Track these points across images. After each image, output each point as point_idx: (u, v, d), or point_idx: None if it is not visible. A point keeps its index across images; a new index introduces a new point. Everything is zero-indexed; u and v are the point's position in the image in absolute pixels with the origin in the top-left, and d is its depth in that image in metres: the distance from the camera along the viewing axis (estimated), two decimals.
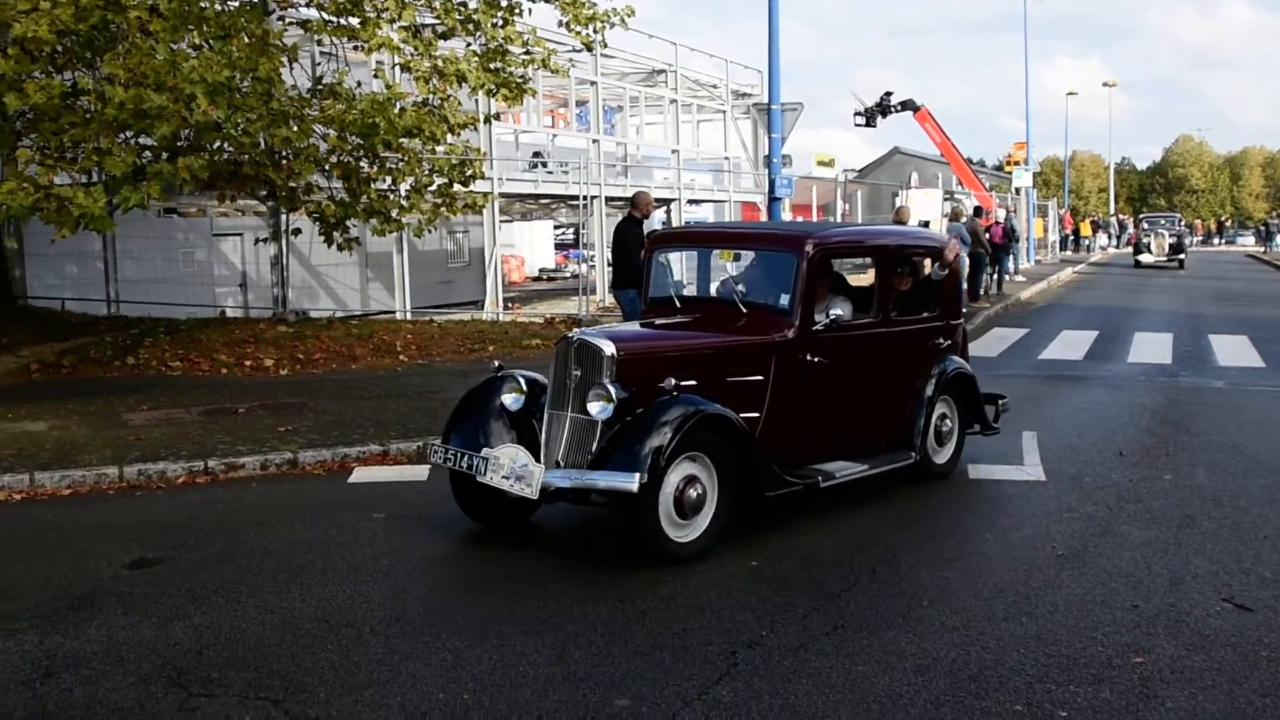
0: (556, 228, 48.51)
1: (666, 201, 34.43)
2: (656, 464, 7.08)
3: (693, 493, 7.38)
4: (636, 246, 13.15)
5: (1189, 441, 11.41)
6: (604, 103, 33.40)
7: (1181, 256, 45.06)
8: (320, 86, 16.73)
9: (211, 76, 12.50)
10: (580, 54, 22.71)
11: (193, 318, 18.77)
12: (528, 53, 17.24)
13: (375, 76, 17.20)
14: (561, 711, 5.21)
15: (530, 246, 44.55)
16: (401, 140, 16.04)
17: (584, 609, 6.53)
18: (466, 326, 20.24)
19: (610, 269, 18.55)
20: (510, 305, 27.47)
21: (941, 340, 9.87)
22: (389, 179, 16.94)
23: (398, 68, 17.29)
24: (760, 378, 8.22)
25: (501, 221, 30.81)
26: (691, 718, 5.13)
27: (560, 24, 17.39)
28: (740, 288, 9.09)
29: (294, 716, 5.16)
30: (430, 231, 19.20)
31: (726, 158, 37.56)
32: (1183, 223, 49.39)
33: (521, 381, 8.14)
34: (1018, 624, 6.30)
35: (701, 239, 10.51)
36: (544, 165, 31.00)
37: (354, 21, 16.12)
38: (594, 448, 7.43)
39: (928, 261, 10.03)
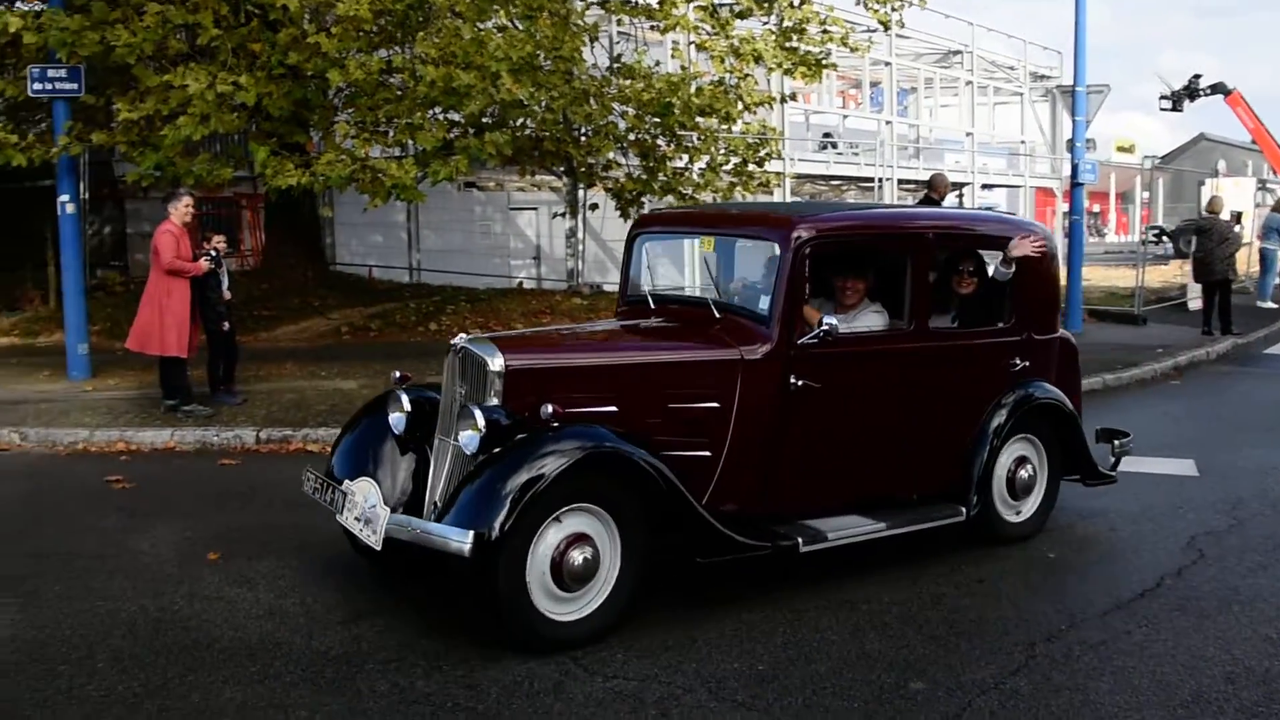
0: None
1: (960, 185, 33.74)
2: (518, 517, 5.39)
3: (578, 556, 5.61)
4: None
5: None
6: (897, 84, 32.93)
7: None
8: (618, 65, 17.06)
9: (515, 55, 12.91)
10: (875, 33, 22.41)
11: (491, 288, 19.49)
12: (825, 31, 17.16)
13: (672, 56, 17.45)
14: (856, 688, 5.24)
15: None
16: (697, 119, 16.22)
17: (878, 593, 6.55)
18: None
19: None
20: None
21: (1018, 361, 7.54)
22: (685, 157, 17.16)
23: (693, 47, 17.47)
24: (717, 405, 6.33)
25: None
26: (987, 705, 5.08)
27: (857, 2, 17.25)
28: (734, 285, 7.36)
29: (591, 673, 5.36)
30: None
31: (1023, 141, 36.50)
32: None
33: (404, 400, 6.46)
34: None
35: (687, 220, 8.57)
36: (834, 146, 30.79)
37: (652, 1, 16.37)
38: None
39: (987, 256, 7.74)
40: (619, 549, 5.78)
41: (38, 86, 12.81)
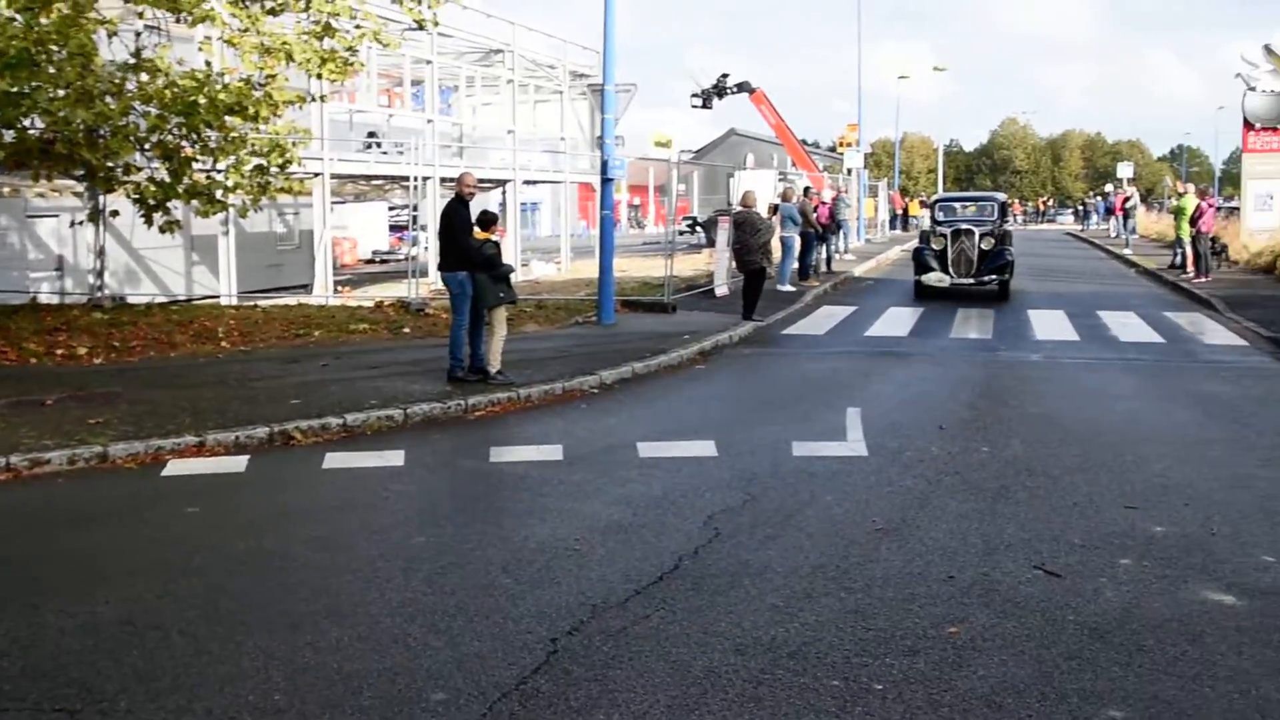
0: (392, 209, 47.83)
1: (503, 182, 34.15)
2: None
3: None
4: (463, 228, 12.97)
5: (1006, 414, 11.71)
6: (440, 82, 32.95)
7: (1003, 278, 24.00)
8: (141, 61, 16.11)
9: (4, 46, 11.91)
10: (415, 32, 22.26)
11: (1, 304, 17.97)
12: (356, 26, 16.87)
13: (200, 50, 16.67)
14: (376, 708, 5.09)
15: (363, 228, 43.84)
16: (225, 119, 15.58)
17: (396, 597, 6.41)
18: (292, 311, 19.79)
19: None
20: (340, 289, 26.94)
21: None
22: (211, 159, 16.44)
23: (223, 42, 16.74)
24: None
25: (334, 203, 30.23)
26: (507, 709, 5.05)
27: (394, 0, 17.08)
28: None
29: None
30: (256, 213, 18.72)
31: (563, 138, 37.37)
32: (1003, 211, 25.75)
33: None
34: (837, 599, 6.37)
35: None
36: (379, 145, 30.44)
37: None
38: None
39: None
40: None
41: None
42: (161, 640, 5.84)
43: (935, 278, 23.49)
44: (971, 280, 23.40)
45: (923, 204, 67.65)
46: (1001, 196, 27.16)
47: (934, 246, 23.91)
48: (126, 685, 5.31)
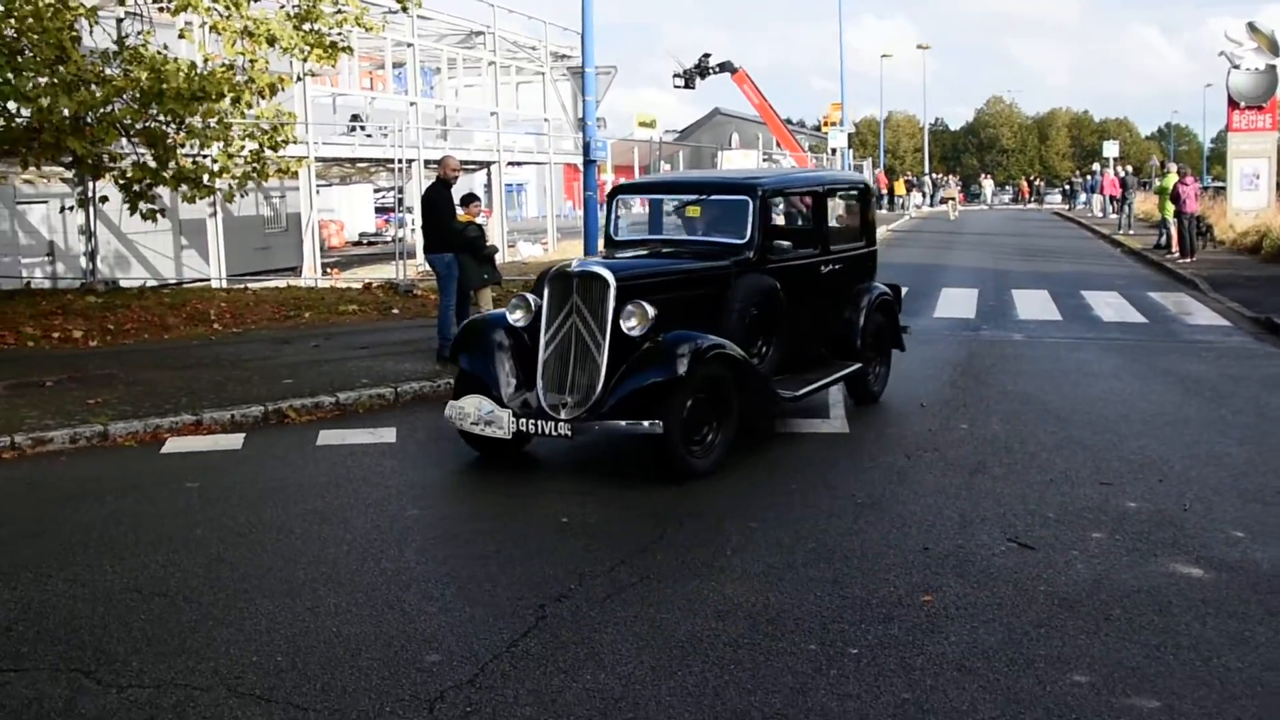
0: (377, 191, 47.94)
1: (487, 164, 34.30)
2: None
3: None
4: (447, 211, 13.19)
5: (986, 392, 11.96)
6: (422, 65, 33.08)
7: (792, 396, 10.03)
8: (125, 49, 16.27)
9: None
10: (396, 14, 22.41)
11: None
12: (339, 11, 17.03)
13: (180, 37, 16.83)
14: (373, 668, 5.32)
15: (350, 211, 43.98)
16: (202, 105, 15.73)
17: (391, 566, 6.66)
18: (282, 293, 20.01)
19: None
20: (328, 271, 27.14)
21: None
22: (196, 144, 16.60)
23: (206, 28, 16.90)
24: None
25: (320, 186, 30.37)
26: (499, 669, 5.29)
27: None
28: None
29: (105, 685, 5.17)
30: (243, 197, 18.90)
31: (546, 119, 37.53)
32: (861, 209, 11.56)
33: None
34: (816, 569, 6.61)
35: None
36: (362, 128, 30.59)
37: None
38: None
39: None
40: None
41: None
42: (168, 606, 6.08)
43: (475, 407, 8.57)
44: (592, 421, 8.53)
45: (908, 184, 68.04)
46: (838, 178, 13.55)
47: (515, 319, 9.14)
48: (137, 647, 5.56)
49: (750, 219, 9.74)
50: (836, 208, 11.91)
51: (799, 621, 5.84)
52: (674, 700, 4.98)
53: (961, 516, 7.64)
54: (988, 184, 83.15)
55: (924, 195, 69.85)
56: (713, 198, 10.57)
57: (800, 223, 12.08)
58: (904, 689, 5.07)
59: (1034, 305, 19.53)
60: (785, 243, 10.49)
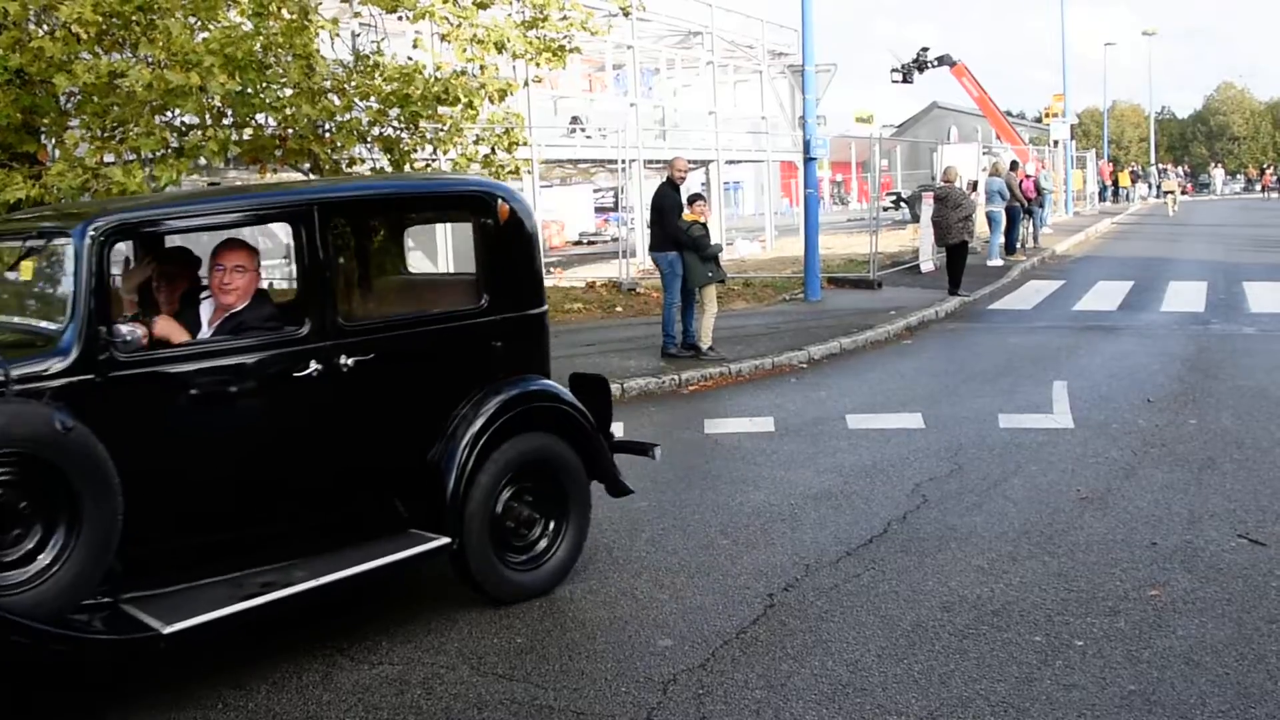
0: (596, 191, 48.74)
1: (705, 163, 34.57)
2: None
3: None
4: (674, 210, 13.51)
5: (1216, 387, 11.64)
6: (641, 66, 33.54)
7: None
8: (363, 58, 17.05)
9: (233, 51, 12.77)
10: (616, 17, 22.85)
11: None
12: (564, 17, 17.50)
13: (414, 46, 17.53)
14: (608, 650, 5.61)
15: (570, 211, 44.82)
16: (440, 110, 16.36)
17: (622, 555, 6.94)
18: None
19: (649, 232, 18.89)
20: (551, 270, 27.78)
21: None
22: (431, 149, 17.27)
23: (437, 37, 17.56)
24: None
25: (541, 187, 31.10)
26: (729, 653, 5.51)
27: None
28: None
29: (358, 661, 5.62)
30: None
31: (764, 118, 37.60)
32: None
33: None
34: (1040, 562, 6.64)
35: None
36: (582, 130, 31.20)
37: None
38: None
39: None
40: None
41: None
42: (410, 589, 6.51)
43: None
44: None
45: (1133, 174, 65.92)
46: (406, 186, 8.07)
47: None
48: (385, 628, 5.99)
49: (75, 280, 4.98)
50: (395, 240, 7.43)
51: (1024, 614, 5.90)
52: (900, 686, 5.13)
53: (1190, 512, 7.53)
54: (1218, 173, 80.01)
55: (1150, 186, 67.69)
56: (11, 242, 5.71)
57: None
58: (1130, 681, 5.10)
59: (1269, 298, 18.74)
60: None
